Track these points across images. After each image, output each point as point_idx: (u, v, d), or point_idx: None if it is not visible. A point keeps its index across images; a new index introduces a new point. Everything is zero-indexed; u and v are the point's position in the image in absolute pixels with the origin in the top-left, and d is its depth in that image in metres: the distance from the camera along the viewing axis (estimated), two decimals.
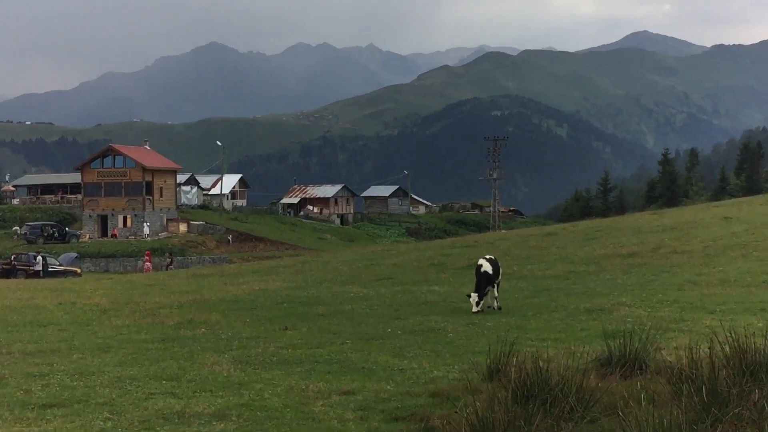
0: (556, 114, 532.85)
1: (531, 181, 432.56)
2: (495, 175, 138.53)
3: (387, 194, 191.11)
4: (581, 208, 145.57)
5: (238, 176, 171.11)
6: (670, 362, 11.98)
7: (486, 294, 21.97)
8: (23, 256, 70.31)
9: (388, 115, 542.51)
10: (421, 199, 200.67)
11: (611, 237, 40.96)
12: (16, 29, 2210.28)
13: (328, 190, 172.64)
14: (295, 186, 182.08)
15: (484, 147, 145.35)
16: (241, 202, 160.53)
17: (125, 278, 50.70)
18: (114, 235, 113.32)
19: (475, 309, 21.44)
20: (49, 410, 11.98)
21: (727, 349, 11.01)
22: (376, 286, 30.49)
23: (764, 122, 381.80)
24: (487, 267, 21.99)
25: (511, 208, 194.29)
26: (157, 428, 10.93)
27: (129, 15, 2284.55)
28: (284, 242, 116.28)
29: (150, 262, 73.88)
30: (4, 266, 67.58)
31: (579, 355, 12.64)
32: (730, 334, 11.34)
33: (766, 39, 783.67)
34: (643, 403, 9.69)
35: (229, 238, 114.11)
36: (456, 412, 10.34)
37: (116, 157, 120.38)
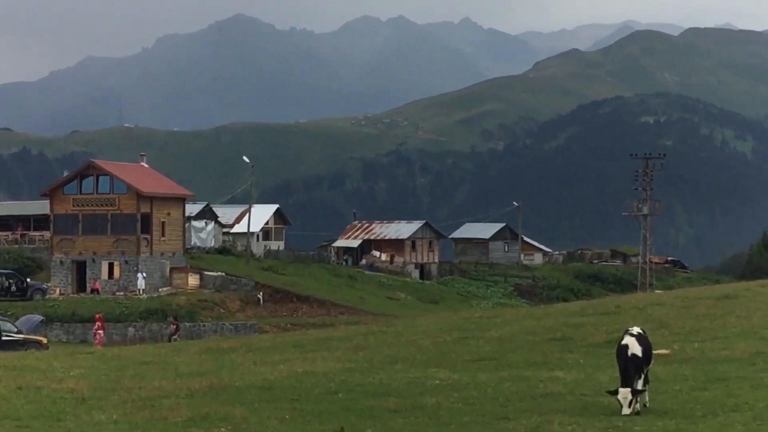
0: (735, 121, 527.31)
1: (698, 219, 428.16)
2: (645, 210, 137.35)
3: (487, 236, 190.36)
4: None
5: (273, 207, 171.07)
6: None
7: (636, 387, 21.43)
8: None
9: (489, 120, 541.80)
10: (536, 244, 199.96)
11: None
12: None
13: (403, 230, 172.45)
14: (356, 223, 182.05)
15: (629, 168, 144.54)
16: (277, 245, 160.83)
17: (111, 352, 51.07)
18: (95, 290, 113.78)
19: (626, 411, 20.80)
20: None
21: None
22: (472, 370, 30.44)
23: None
24: (635, 348, 21.41)
25: (670, 258, 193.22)
26: None
27: None
28: (339, 304, 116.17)
29: (103, 329, 72.16)
30: None
31: None
32: None
33: None
34: None
35: (260, 296, 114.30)
36: None
37: (100, 177, 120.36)
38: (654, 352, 22.76)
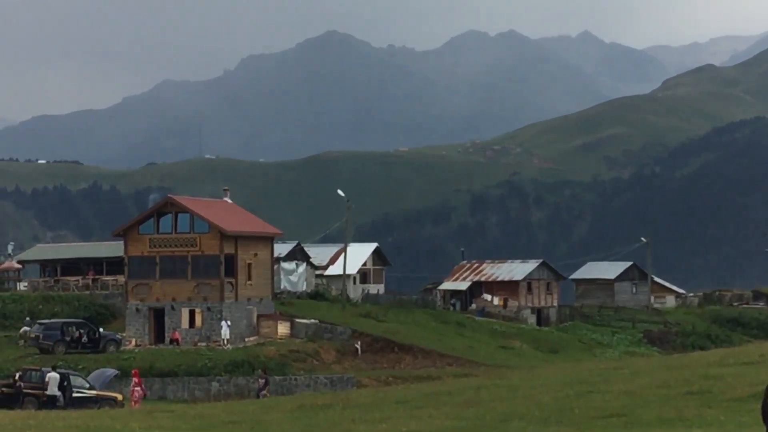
0: None
1: None
2: None
3: (613, 276, 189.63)
4: None
5: (372, 246, 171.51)
6: None
7: None
8: (33, 373, 71.56)
9: (613, 146, 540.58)
10: (668, 285, 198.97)
11: None
12: (29, 30, 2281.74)
13: (517, 270, 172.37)
14: (464, 262, 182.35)
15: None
16: (376, 288, 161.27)
17: (194, 410, 51.43)
18: (175, 341, 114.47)
19: None
20: None
21: None
22: (598, 429, 30.42)
23: None
24: None
25: None
26: None
27: None
28: (446, 354, 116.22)
29: (140, 386, 70.91)
30: (4, 390, 69.02)
31: None
32: None
33: None
34: None
35: (358, 346, 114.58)
36: None
37: (179, 215, 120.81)
38: None
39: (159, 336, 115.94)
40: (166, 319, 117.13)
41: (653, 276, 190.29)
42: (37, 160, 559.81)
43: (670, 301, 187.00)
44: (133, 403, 63.90)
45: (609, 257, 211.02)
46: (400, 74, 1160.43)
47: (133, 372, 72.69)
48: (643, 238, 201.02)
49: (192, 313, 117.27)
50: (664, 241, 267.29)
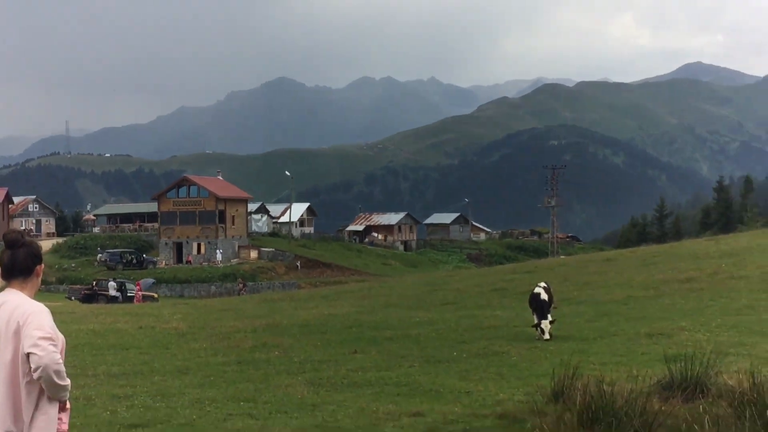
0: (612, 143, 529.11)
1: (588, 208, 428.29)
2: (553, 203, 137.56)
3: (448, 222, 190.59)
4: (638, 234, 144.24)
5: (305, 205, 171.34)
6: (732, 386, 11.81)
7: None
8: (103, 282, 71.07)
9: (449, 145, 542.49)
10: (481, 226, 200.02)
11: (669, 262, 40.51)
12: (96, 66, 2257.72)
13: (392, 218, 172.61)
14: (361, 214, 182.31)
15: (542, 175, 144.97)
16: (308, 230, 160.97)
17: (201, 303, 51.06)
18: (189, 262, 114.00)
19: (547, 336, 20.62)
20: (133, 430, 12.14)
21: None
22: (440, 311, 30.45)
23: None
24: (543, 295, 21.42)
25: (569, 235, 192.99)
26: None
27: (203, 53, 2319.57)
28: (350, 268, 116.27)
29: (141, 290, 67.93)
30: (86, 292, 68.52)
31: (641, 378, 12.56)
32: None
33: None
34: (706, 426, 9.61)
35: (298, 264, 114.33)
36: None
37: (191, 187, 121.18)
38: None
39: (179, 259, 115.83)
40: (183, 249, 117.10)
41: (472, 221, 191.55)
42: (105, 154, 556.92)
43: (482, 236, 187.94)
44: (137, 301, 62.71)
45: (446, 211, 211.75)
46: (323, 102, 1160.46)
47: (137, 283, 70.91)
48: (466, 200, 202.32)
49: (199, 246, 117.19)
50: (479, 201, 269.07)
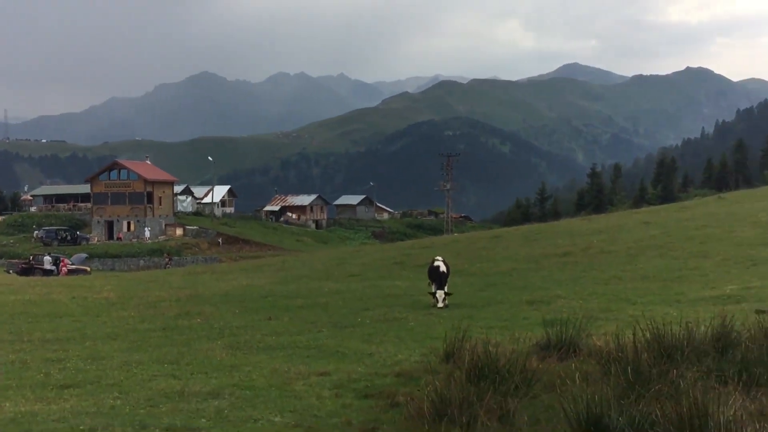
0: (500, 134, 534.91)
1: (479, 191, 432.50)
2: (448, 186, 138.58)
3: (355, 203, 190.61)
4: (522, 214, 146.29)
5: (226, 187, 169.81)
6: (600, 346, 12.08)
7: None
8: (39, 256, 69.62)
9: (356, 134, 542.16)
10: (384, 207, 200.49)
11: (548, 239, 41.16)
12: (32, 59, 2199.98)
13: (305, 199, 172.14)
14: (276, 196, 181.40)
15: (439, 162, 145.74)
16: (229, 210, 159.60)
17: (130, 275, 50.30)
18: (119, 238, 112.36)
19: (440, 304, 20.65)
20: (65, 390, 11.96)
21: (648, 335, 11.16)
22: (347, 282, 30.44)
23: (677, 140, 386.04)
24: (442, 267, 21.48)
25: (462, 215, 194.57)
26: (160, 405, 10.90)
27: (131, 47, 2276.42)
28: (267, 244, 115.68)
29: (65, 266, 65.20)
30: (23, 266, 67.09)
31: (522, 340, 12.77)
32: (650, 322, 11.49)
33: (678, 70, 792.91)
34: (577, 382, 9.80)
35: (219, 240, 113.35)
36: (418, 390, 10.42)
37: (121, 170, 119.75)
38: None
39: (110, 236, 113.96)
40: (114, 227, 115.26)
41: (377, 203, 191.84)
42: (42, 140, 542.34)
43: (386, 216, 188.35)
44: (62, 274, 61.28)
45: (354, 193, 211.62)
46: (243, 95, 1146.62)
47: (62, 259, 69.11)
48: (371, 183, 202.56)
49: (129, 224, 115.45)
50: (383, 185, 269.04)
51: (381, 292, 25.59)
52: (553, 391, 9.90)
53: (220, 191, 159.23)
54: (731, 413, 7.03)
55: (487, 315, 18.73)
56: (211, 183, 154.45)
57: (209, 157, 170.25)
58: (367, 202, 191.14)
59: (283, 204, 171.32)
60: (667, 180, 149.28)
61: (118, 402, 11.17)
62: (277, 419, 10.20)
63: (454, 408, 9.17)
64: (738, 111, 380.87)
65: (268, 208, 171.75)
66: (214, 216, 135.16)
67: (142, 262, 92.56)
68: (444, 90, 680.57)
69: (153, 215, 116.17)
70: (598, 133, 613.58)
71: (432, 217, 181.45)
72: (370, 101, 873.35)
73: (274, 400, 11.12)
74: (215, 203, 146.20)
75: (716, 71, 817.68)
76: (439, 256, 23.54)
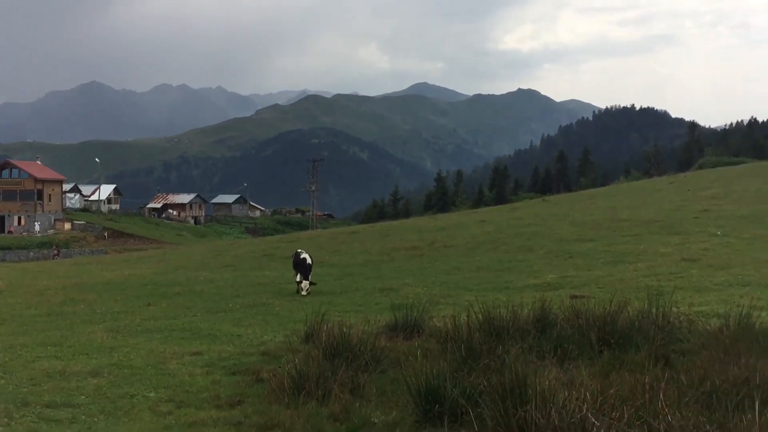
0: (359, 142, 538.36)
1: (341, 192, 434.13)
2: (313, 188, 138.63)
3: (231, 201, 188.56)
4: (377, 213, 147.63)
5: (112, 186, 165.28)
6: (439, 327, 12.26)
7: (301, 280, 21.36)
8: None
9: (232, 141, 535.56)
10: (257, 205, 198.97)
11: (399, 235, 41.51)
12: None
13: (185, 198, 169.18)
14: (159, 194, 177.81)
15: (305, 166, 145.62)
16: (115, 207, 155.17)
17: (19, 266, 48.10)
18: (10, 232, 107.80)
19: (304, 293, 20.40)
20: None
21: (480, 317, 11.37)
22: (221, 272, 29.93)
23: (510, 151, 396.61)
24: (308, 259, 21.44)
25: (326, 213, 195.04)
26: (42, 384, 10.48)
27: (25, 56, 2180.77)
28: (150, 238, 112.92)
29: None
30: None
31: (373, 323, 12.85)
32: (483, 306, 11.72)
33: (511, 90, 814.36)
34: (419, 358, 9.91)
35: (105, 234, 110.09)
36: (280, 367, 10.38)
37: (13, 169, 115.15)
38: None
39: (2, 230, 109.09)
40: (6, 221, 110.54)
41: (250, 201, 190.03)
42: None
43: (258, 213, 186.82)
44: None
45: (229, 193, 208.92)
46: (129, 103, 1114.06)
47: None
48: (245, 184, 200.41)
49: (20, 219, 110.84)
50: (256, 186, 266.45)
51: (251, 281, 25.28)
52: (398, 367, 9.99)
53: (106, 189, 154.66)
54: (546, 383, 7.22)
55: (344, 301, 18.75)
56: (98, 182, 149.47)
57: (96, 159, 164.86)
58: (241, 200, 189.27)
59: (165, 202, 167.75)
60: (500, 185, 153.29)
61: (2, 381, 10.68)
62: (151, 395, 9.97)
63: (312, 382, 9.20)
64: (560, 127, 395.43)
65: (151, 205, 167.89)
66: (101, 212, 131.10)
67: (31, 254, 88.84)
68: (311, 103, 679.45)
69: (43, 211, 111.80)
70: (444, 143, 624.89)
71: (299, 215, 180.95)
72: (245, 111, 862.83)
73: (150, 377, 10.86)
74: (102, 200, 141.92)
75: (543, 92, 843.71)
76: (303, 248, 23.48)
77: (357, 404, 8.75)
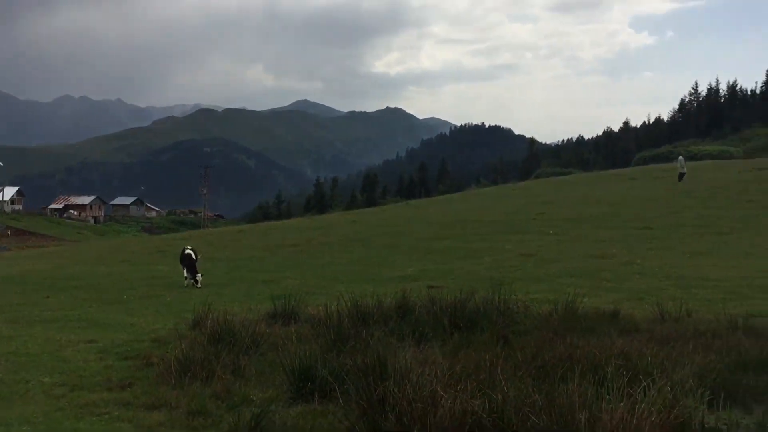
0: (247, 151, 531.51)
1: (231, 196, 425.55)
2: (205, 191, 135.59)
3: (129, 203, 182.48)
4: (263, 214, 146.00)
5: (16, 188, 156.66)
6: (313, 314, 12.26)
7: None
8: None
9: (131, 148, 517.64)
10: (153, 207, 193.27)
11: (281, 233, 41.18)
12: None
13: (86, 199, 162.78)
14: (61, 196, 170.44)
15: (198, 172, 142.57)
16: (18, 207, 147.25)
17: None
18: None
19: (186, 284, 20.03)
20: None
21: (349, 305, 11.43)
22: (118, 267, 28.82)
23: (379, 161, 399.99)
24: (193, 255, 20.92)
25: (217, 213, 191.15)
26: None
27: None
28: (51, 236, 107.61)
29: None
30: None
31: (255, 311, 12.69)
32: (352, 296, 11.78)
33: (380, 108, 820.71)
34: (294, 341, 9.86)
35: (9, 232, 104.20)
36: (168, 352, 10.09)
37: None
38: None
39: None
40: None
41: (147, 203, 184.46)
42: None
43: (154, 214, 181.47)
44: None
45: (128, 195, 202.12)
46: (33, 112, 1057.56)
47: None
48: (142, 187, 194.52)
49: None
50: (153, 189, 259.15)
51: (145, 275, 24.46)
52: (276, 350, 9.91)
53: (9, 191, 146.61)
54: (404, 362, 7.29)
55: (230, 292, 18.45)
56: (2, 184, 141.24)
57: (0, 163, 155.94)
58: (138, 202, 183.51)
59: (66, 203, 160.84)
60: (371, 190, 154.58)
61: None
62: (46, 380, 9.49)
63: (197, 365, 9.02)
64: (422, 141, 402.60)
65: (53, 206, 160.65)
66: (4, 212, 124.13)
67: None
68: (204, 116, 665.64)
69: None
70: (323, 153, 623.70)
71: (192, 215, 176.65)
72: (143, 122, 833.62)
73: (45, 364, 10.34)
74: (5, 201, 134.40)
75: (408, 110, 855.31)
76: (193, 245, 22.92)
77: (238, 384, 8.62)
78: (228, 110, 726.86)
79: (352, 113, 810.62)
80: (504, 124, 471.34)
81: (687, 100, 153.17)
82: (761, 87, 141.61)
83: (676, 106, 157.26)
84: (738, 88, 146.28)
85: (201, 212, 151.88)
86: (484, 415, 6.24)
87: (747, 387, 7.73)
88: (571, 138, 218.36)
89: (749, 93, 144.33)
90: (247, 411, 7.48)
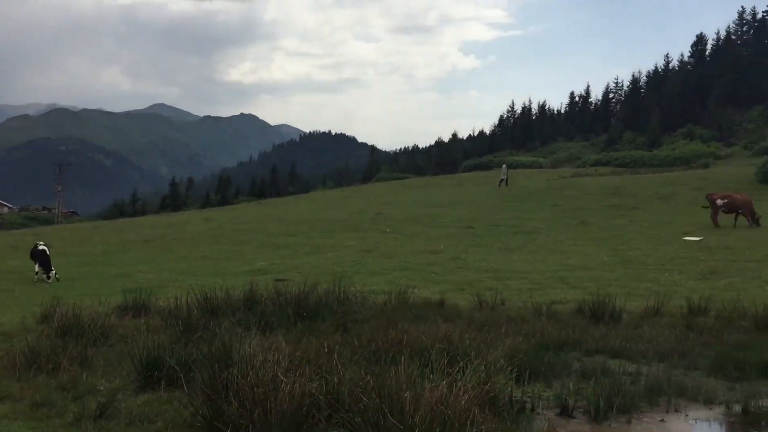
0: (104, 151, 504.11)
1: (86, 193, 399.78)
2: (60, 188, 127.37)
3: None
4: (118, 212, 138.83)
5: None
6: (164, 306, 11.83)
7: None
8: None
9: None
10: (5, 203, 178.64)
11: (135, 230, 39.29)
12: None
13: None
14: None
15: (53, 170, 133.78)
16: None
17: None
18: None
19: (36, 279, 18.67)
20: None
21: (199, 297, 11.12)
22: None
23: (233, 163, 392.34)
24: (47, 251, 19.52)
25: (71, 210, 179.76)
26: None
27: None
28: None
29: None
30: None
31: (107, 304, 12.04)
32: (202, 288, 11.46)
33: (235, 114, 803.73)
34: (144, 333, 9.44)
35: None
36: (13, 345, 9.36)
37: None
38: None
39: None
40: None
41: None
42: None
43: (6, 210, 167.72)
44: None
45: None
46: None
47: None
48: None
49: None
50: (6, 186, 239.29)
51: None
52: (125, 341, 9.44)
53: None
54: (248, 349, 7.16)
55: (81, 286, 17.36)
56: None
57: None
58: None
59: None
60: (224, 190, 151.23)
61: None
62: None
63: (42, 358, 8.44)
64: (274, 145, 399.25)
65: None
66: None
67: None
68: (59, 115, 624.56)
69: None
70: (178, 155, 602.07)
71: (46, 212, 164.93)
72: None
73: None
74: None
75: (261, 117, 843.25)
76: (47, 241, 21.41)
77: (84, 375, 8.12)
78: (85, 110, 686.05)
79: (208, 118, 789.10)
80: (349, 133, 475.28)
81: (505, 116, 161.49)
82: (565, 107, 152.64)
83: (497, 121, 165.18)
84: (547, 107, 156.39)
85: (55, 209, 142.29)
86: (321, 397, 6.26)
87: (548, 365, 8.29)
88: (408, 146, 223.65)
89: (556, 112, 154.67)
90: (92, 400, 7.08)
